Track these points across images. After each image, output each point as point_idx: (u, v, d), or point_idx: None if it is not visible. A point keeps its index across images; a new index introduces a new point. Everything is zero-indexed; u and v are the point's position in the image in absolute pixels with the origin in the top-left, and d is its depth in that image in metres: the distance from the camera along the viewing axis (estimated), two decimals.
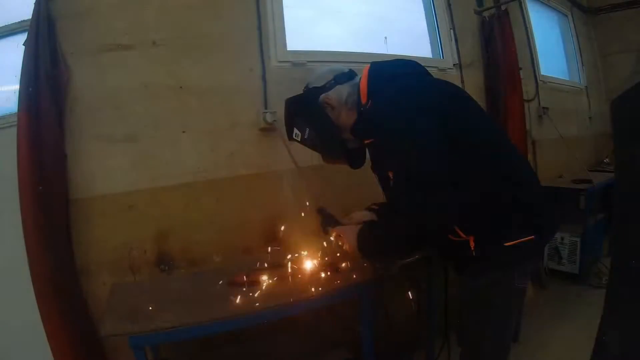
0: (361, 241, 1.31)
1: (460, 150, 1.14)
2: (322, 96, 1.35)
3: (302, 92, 1.45)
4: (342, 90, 1.34)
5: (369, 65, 1.31)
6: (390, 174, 1.17)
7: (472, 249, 1.20)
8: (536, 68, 3.72)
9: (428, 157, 1.11)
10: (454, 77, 2.80)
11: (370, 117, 1.22)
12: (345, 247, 1.39)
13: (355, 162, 1.50)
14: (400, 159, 1.14)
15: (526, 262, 1.25)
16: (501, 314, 1.27)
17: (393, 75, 1.25)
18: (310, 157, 2.21)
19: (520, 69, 3.21)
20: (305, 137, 1.42)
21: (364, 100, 1.27)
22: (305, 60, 2.22)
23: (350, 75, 1.38)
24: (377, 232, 1.29)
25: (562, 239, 3.24)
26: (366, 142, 1.29)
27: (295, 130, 1.45)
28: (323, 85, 1.37)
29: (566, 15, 4.49)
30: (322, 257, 1.69)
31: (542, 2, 4.11)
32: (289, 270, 1.58)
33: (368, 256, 1.39)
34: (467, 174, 1.14)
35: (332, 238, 1.53)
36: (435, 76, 1.44)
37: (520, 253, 1.19)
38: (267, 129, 2.08)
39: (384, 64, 1.32)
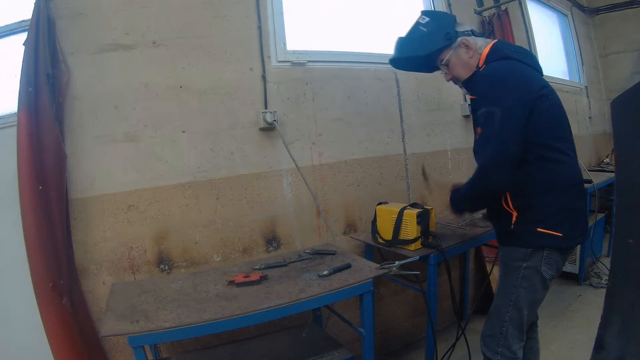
0: (452, 202, 1.65)
1: (531, 138, 1.38)
2: (462, 38, 1.59)
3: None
4: (477, 40, 1.60)
5: (495, 40, 1.61)
6: (479, 130, 1.43)
7: (513, 222, 1.45)
8: None
9: (511, 127, 1.36)
10: None
11: (478, 79, 1.49)
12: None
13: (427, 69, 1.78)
14: (489, 120, 1.38)
15: (552, 253, 1.44)
16: (526, 292, 1.46)
17: (507, 56, 1.49)
18: (310, 157, 2.23)
19: None
20: (416, 32, 1.67)
21: (480, 63, 1.55)
22: (305, 60, 2.22)
23: (481, 34, 1.68)
24: (459, 191, 1.60)
25: None
26: (470, 97, 1.55)
27: (424, 21, 1.66)
28: (464, 30, 1.62)
29: (566, 15, 4.49)
30: None
31: (542, 2, 4.11)
32: None
33: (460, 211, 1.67)
34: (535, 159, 1.40)
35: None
36: None
37: (547, 242, 1.42)
38: (267, 129, 2.08)
39: (506, 44, 1.63)
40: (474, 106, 1.50)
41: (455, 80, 1.65)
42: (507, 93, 1.38)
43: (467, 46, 1.58)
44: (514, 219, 1.45)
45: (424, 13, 1.69)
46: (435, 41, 1.61)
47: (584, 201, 1.53)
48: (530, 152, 1.39)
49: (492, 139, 1.37)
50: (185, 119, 1.92)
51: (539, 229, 1.41)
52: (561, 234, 1.40)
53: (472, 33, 1.62)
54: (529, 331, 1.64)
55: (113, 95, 1.79)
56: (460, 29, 1.62)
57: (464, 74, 1.60)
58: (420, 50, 1.64)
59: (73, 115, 1.71)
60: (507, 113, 1.35)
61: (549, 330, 2.53)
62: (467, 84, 1.60)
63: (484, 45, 1.58)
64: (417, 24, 1.66)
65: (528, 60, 1.54)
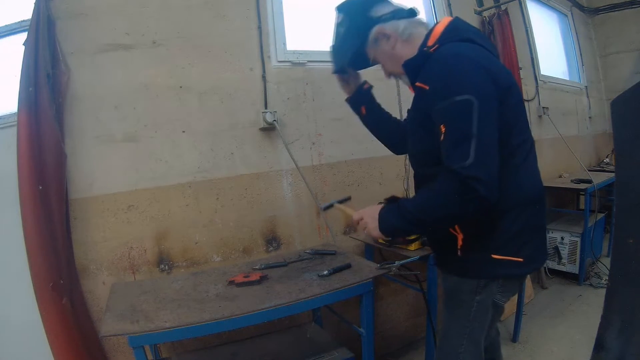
0: (385, 222, 1.20)
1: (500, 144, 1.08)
2: (377, 27, 1.28)
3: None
4: (399, 23, 1.28)
5: (451, 18, 1.29)
6: (443, 128, 1.07)
7: (459, 247, 1.18)
8: (536, 68, 3.73)
9: (492, 121, 1.05)
10: None
11: (432, 62, 1.13)
12: (367, 233, 1.27)
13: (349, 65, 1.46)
14: (461, 111, 1.04)
15: (510, 281, 1.22)
16: (480, 324, 1.25)
17: (470, 39, 1.18)
18: (310, 157, 2.23)
19: (520, 68, 3.22)
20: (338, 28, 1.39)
21: (431, 42, 1.20)
22: (305, 60, 2.22)
23: (411, 12, 1.32)
24: (409, 210, 1.14)
25: (562, 238, 3.24)
26: (417, 84, 1.18)
27: (337, 20, 1.39)
28: (381, 15, 1.30)
29: (566, 15, 4.49)
30: None
31: (542, 2, 4.11)
32: None
33: (392, 234, 1.28)
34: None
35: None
36: None
37: (504, 270, 1.17)
38: (267, 129, 2.08)
39: (467, 25, 1.29)
40: (426, 99, 1.14)
41: (395, 75, 1.36)
42: (480, 79, 1.07)
43: (384, 35, 1.28)
44: (459, 242, 1.17)
45: (338, 8, 1.40)
46: (350, 42, 1.34)
47: (545, 217, 1.27)
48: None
49: (472, 137, 1.01)
50: (185, 119, 1.92)
51: (494, 256, 1.14)
52: (522, 259, 1.15)
53: (394, 15, 1.29)
54: (489, 352, 1.42)
55: (113, 95, 1.79)
56: (377, 13, 1.30)
57: (394, 67, 1.30)
58: (343, 56, 1.39)
59: (73, 115, 1.71)
60: (485, 103, 1.04)
61: (549, 330, 2.53)
62: (412, 71, 1.22)
63: (411, 27, 1.27)
64: (336, 25, 1.40)
65: (490, 47, 1.26)
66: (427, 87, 1.13)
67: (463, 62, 1.09)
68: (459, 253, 1.18)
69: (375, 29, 1.29)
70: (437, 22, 1.26)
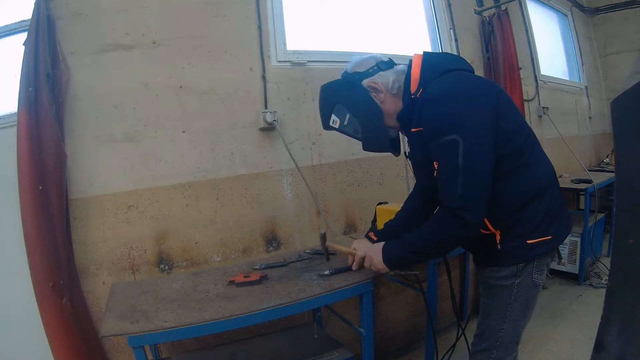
0: (389, 255, 1.37)
1: (503, 149, 1.21)
2: (367, 80, 1.33)
3: (339, 78, 1.42)
4: (388, 76, 1.33)
5: (420, 54, 1.32)
6: (436, 165, 1.21)
7: (498, 242, 1.29)
8: (536, 68, 3.73)
9: (478, 154, 1.15)
10: None
11: (422, 106, 1.23)
12: (373, 267, 1.43)
13: (395, 149, 1.49)
14: (448, 151, 1.16)
15: (543, 259, 1.33)
16: (520, 305, 1.35)
17: (447, 69, 1.27)
18: (310, 157, 2.23)
19: (520, 68, 3.21)
20: (345, 123, 1.40)
21: (413, 88, 1.27)
22: (305, 60, 2.22)
23: (390, 63, 1.37)
24: (409, 241, 1.32)
25: None
26: (413, 130, 1.28)
27: (333, 117, 1.40)
28: (366, 70, 1.35)
29: (566, 15, 4.49)
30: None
31: (542, 2, 4.11)
32: None
33: (396, 266, 1.41)
34: (506, 172, 1.23)
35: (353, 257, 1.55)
36: None
37: (538, 250, 1.29)
38: (267, 129, 2.08)
39: (436, 55, 1.39)
40: (424, 139, 1.24)
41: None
42: (465, 114, 1.17)
43: (374, 89, 1.33)
44: (498, 237, 1.29)
45: (330, 110, 1.40)
46: (376, 126, 1.35)
47: (561, 195, 1.38)
48: (501, 166, 1.21)
49: (459, 172, 1.14)
50: (185, 119, 1.92)
51: (529, 242, 1.27)
52: (550, 236, 1.29)
53: (379, 67, 1.33)
54: None
55: (113, 95, 1.79)
56: (360, 68, 1.35)
57: (390, 122, 1.37)
58: (384, 143, 1.41)
59: (73, 115, 1.71)
60: (470, 138, 1.14)
61: (549, 330, 2.53)
62: (404, 119, 1.32)
63: (399, 79, 1.32)
64: (343, 126, 1.41)
65: (466, 66, 1.34)
66: (422, 129, 1.24)
67: (447, 103, 1.19)
68: (499, 247, 1.30)
69: (366, 83, 1.33)
70: (409, 65, 1.31)
